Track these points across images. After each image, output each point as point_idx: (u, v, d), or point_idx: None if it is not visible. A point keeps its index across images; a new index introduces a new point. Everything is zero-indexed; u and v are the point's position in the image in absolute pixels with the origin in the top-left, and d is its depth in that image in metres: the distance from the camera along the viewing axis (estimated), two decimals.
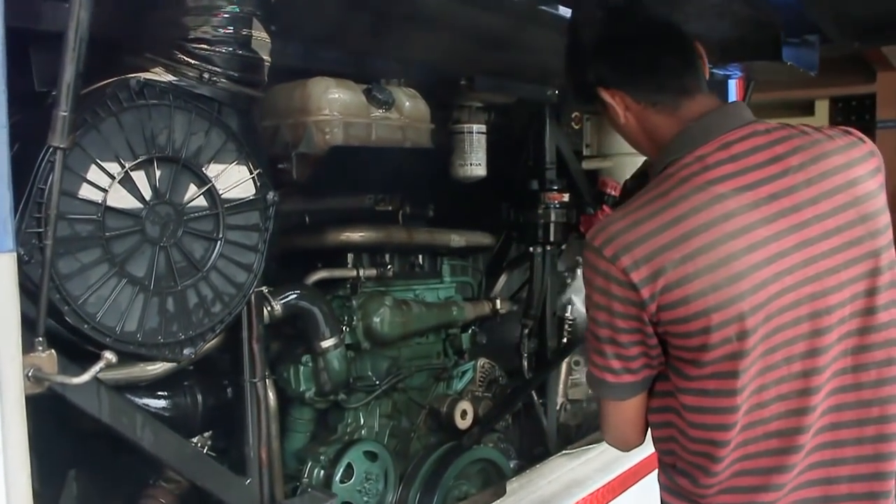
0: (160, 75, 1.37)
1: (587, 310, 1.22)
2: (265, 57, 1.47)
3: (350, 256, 2.18)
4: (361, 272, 2.17)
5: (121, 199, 1.31)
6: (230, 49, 1.40)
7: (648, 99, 1.22)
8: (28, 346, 1.11)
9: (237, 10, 1.40)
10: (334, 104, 1.87)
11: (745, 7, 2.10)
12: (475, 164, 2.34)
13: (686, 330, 1.10)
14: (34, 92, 1.34)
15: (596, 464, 2.45)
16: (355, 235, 2.12)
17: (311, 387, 2.01)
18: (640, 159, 2.92)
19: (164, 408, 1.66)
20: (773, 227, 1.10)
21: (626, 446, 1.33)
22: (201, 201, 1.43)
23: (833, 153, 1.15)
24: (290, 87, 1.89)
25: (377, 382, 2.15)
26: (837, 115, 5.56)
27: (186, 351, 1.43)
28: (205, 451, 1.75)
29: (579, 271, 2.89)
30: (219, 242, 1.45)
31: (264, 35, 1.46)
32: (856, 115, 5.47)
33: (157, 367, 1.53)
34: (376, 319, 2.13)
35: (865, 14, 2.30)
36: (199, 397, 1.71)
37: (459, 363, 2.45)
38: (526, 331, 2.63)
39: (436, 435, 2.32)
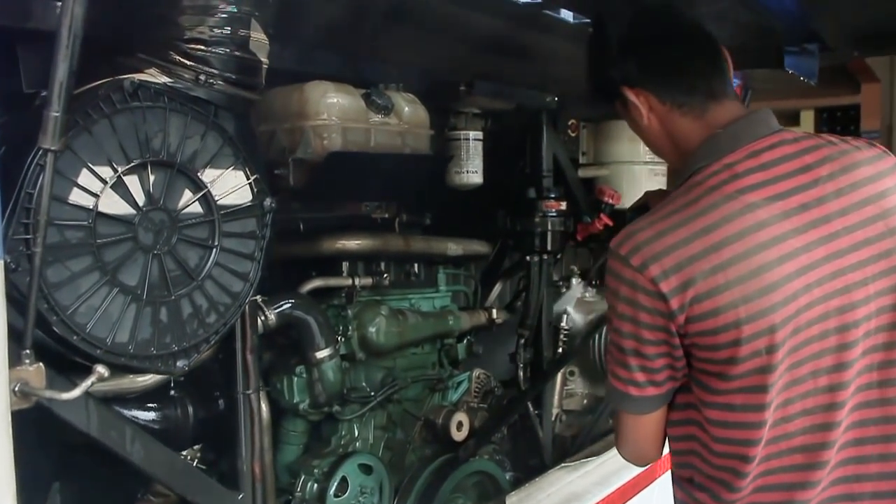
0: (155, 76, 1.34)
1: (609, 321, 1.19)
2: (263, 59, 1.44)
3: (345, 265, 2.14)
4: (357, 281, 2.13)
5: (113, 204, 1.28)
6: (227, 50, 1.37)
7: (675, 100, 1.20)
8: (15, 359, 1.08)
9: (235, 10, 1.37)
10: (332, 109, 1.84)
11: (746, 13, 2.09)
12: (472, 171, 2.32)
13: (714, 342, 1.08)
14: (22, 93, 1.31)
15: (594, 476, 2.44)
16: (351, 243, 2.08)
17: (304, 398, 1.98)
18: (637, 167, 2.99)
19: (153, 420, 1.62)
20: (804, 237, 1.08)
21: (643, 461, 1.30)
22: (196, 207, 1.40)
23: (862, 164, 1.14)
24: (287, 90, 1.86)
25: (372, 393, 2.12)
26: (822, 125, 5.59)
27: (180, 363, 1.39)
28: (194, 463, 1.71)
29: (575, 280, 2.88)
30: (214, 250, 1.42)
31: (262, 36, 1.43)
32: (840, 125, 5.51)
33: (148, 379, 1.50)
34: (372, 329, 2.09)
35: (866, 22, 2.30)
36: (190, 409, 1.67)
37: (455, 374, 2.42)
38: (522, 341, 2.61)
39: (431, 447, 2.29)
